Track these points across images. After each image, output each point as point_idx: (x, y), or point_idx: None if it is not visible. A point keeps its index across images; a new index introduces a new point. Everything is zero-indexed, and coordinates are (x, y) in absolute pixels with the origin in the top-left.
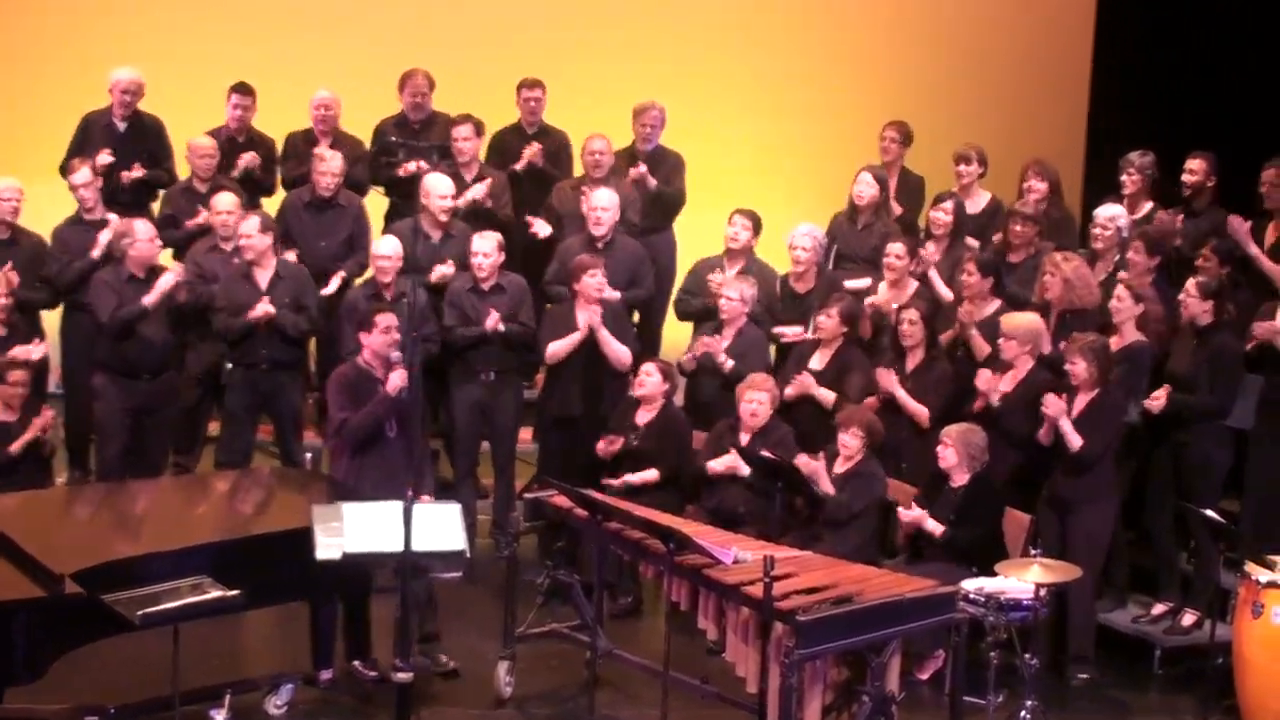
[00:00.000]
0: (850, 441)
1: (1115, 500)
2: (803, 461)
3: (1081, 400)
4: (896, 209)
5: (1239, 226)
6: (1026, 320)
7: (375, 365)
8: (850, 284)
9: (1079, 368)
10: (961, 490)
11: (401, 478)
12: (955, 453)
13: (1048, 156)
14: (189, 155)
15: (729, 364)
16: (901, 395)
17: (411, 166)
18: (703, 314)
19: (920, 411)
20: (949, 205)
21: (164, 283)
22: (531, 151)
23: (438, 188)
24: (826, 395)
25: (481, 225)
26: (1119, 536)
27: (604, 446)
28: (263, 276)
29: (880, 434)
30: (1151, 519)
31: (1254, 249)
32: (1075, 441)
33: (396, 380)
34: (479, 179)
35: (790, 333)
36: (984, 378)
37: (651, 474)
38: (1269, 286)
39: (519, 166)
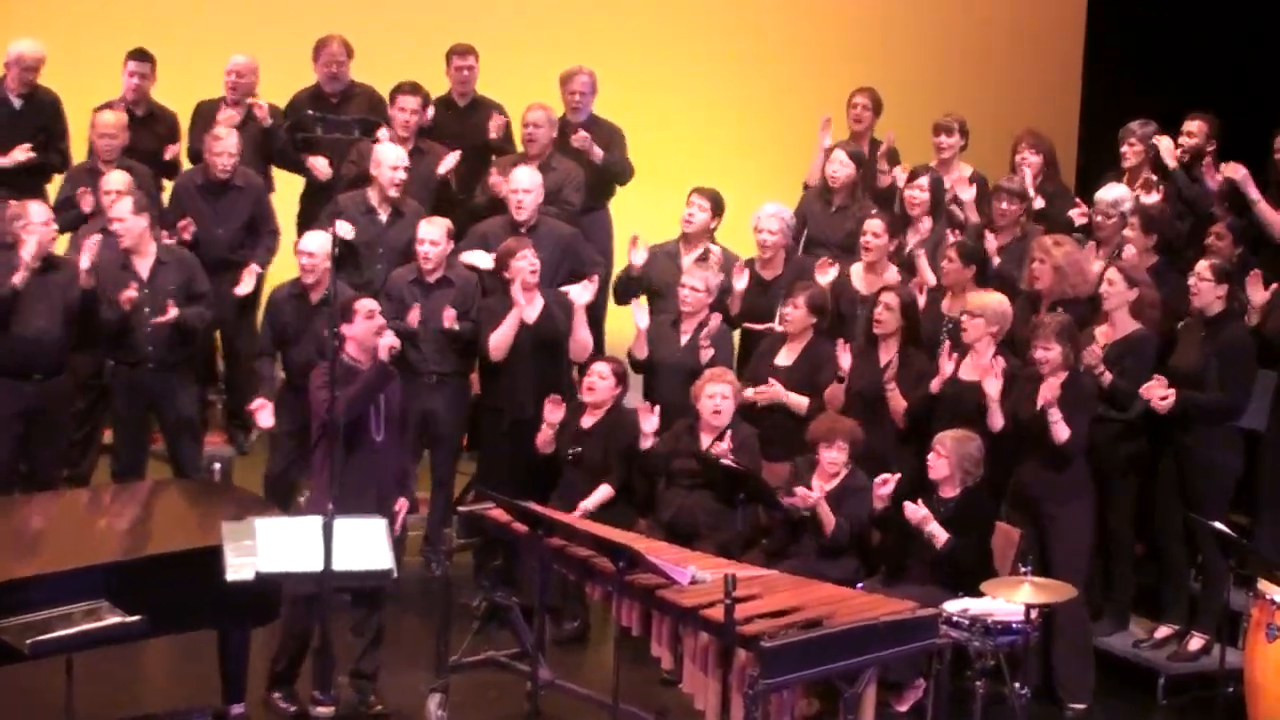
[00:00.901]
0: (836, 456)
1: (1093, 497)
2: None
3: (1053, 384)
4: (885, 174)
5: (1236, 170)
6: (995, 299)
7: (361, 359)
8: (823, 278)
9: (1053, 353)
10: (953, 503)
11: (388, 486)
12: (948, 464)
13: (1039, 128)
14: (91, 132)
15: (709, 353)
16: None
17: (322, 165)
18: (631, 292)
19: (897, 411)
20: (924, 182)
21: (26, 252)
22: (497, 125)
23: (389, 157)
24: (798, 401)
25: (443, 209)
26: (1125, 552)
27: (546, 435)
28: (142, 265)
29: (862, 442)
30: (1158, 531)
31: (1255, 192)
32: (1063, 433)
33: (389, 341)
34: (418, 153)
35: (762, 325)
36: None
37: (605, 492)
38: None
39: (493, 136)
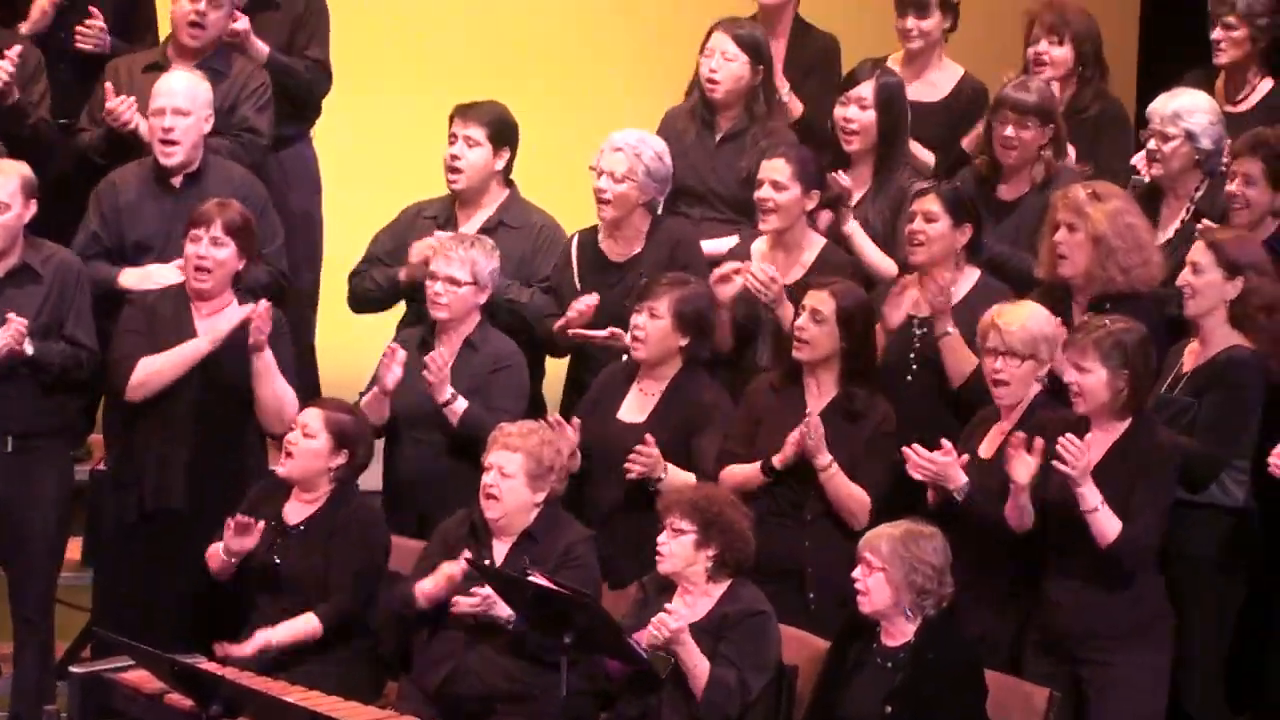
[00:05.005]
0: (677, 550)
1: (1170, 635)
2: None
3: (1100, 442)
4: (792, 103)
5: None
6: (1026, 315)
7: None
8: (708, 245)
9: (1091, 381)
10: (905, 655)
11: None
12: (886, 581)
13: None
14: None
15: (457, 404)
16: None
17: None
18: (391, 297)
19: (853, 497)
20: (866, 91)
21: None
22: (95, 27)
23: None
24: (679, 478)
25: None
26: None
27: (232, 542)
28: None
29: (725, 515)
30: (1272, 687)
31: None
32: (1110, 527)
33: None
34: None
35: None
36: (1017, 460)
37: (307, 623)
38: None
39: (26, 27)
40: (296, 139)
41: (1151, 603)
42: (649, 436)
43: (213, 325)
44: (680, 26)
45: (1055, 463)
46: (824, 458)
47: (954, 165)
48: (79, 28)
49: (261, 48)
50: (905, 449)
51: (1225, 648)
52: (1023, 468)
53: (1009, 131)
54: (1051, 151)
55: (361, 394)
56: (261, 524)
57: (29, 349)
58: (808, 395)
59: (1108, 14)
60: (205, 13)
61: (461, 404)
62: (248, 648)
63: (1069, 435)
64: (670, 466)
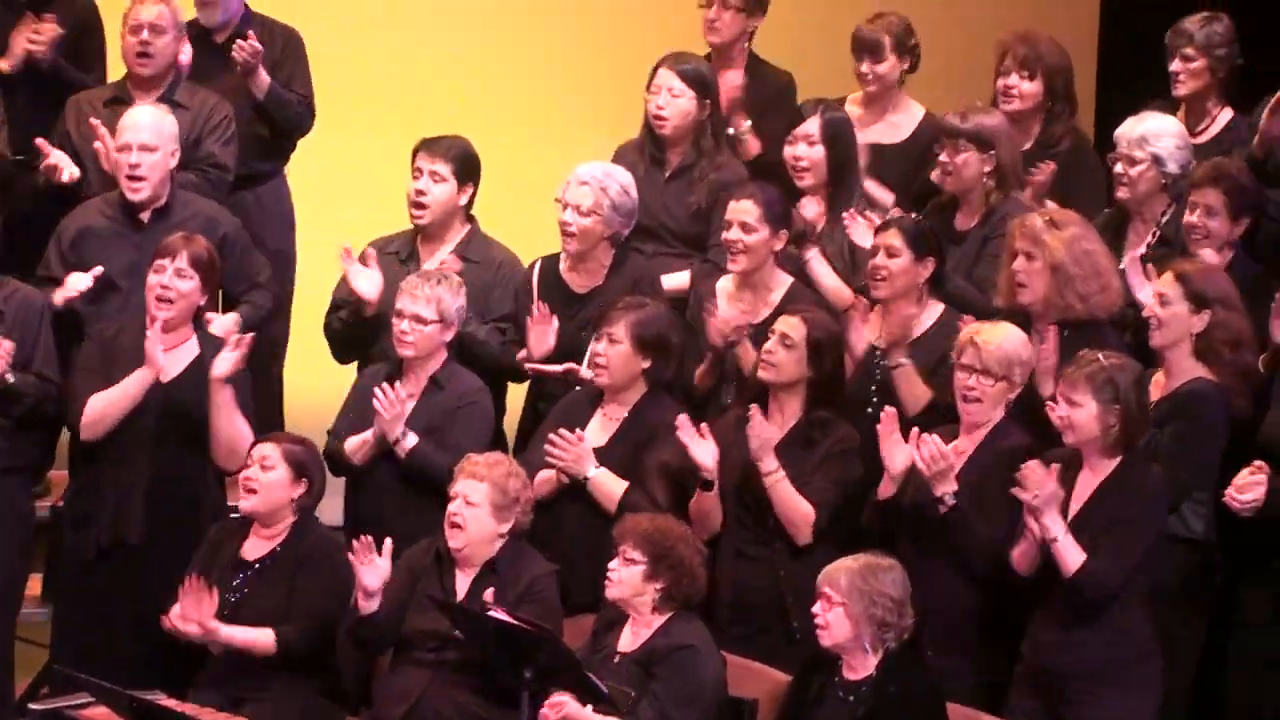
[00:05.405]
0: (624, 582)
1: (1157, 676)
2: None
3: (1088, 480)
4: (751, 141)
5: None
6: (1004, 336)
7: None
8: (668, 281)
9: (1081, 415)
10: (867, 688)
11: None
12: (845, 615)
13: (1040, 32)
14: None
15: (406, 440)
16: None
17: None
18: (360, 339)
19: (797, 509)
20: (813, 128)
21: None
22: (48, 31)
23: None
24: (609, 490)
25: None
26: None
27: (188, 608)
28: None
29: (674, 546)
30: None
31: None
32: (1073, 559)
33: None
34: None
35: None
36: (890, 444)
37: (263, 635)
38: None
39: (7, 64)
40: (272, 175)
41: (1136, 641)
42: (578, 432)
43: (154, 354)
44: (642, 61)
45: (1015, 490)
46: (769, 462)
47: (920, 200)
48: (31, 29)
49: (265, 78)
50: (923, 434)
51: (1186, 679)
52: (900, 454)
53: (944, 157)
54: (994, 181)
55: (330, 431)
56: (215, 593)
57: (10, 378)
58: (755, 416)
59: (1066, 46)
60: (150, 41)
61: (411, 440)
62: (194, 629)
63: (1032, 463)
64: (602, 469)
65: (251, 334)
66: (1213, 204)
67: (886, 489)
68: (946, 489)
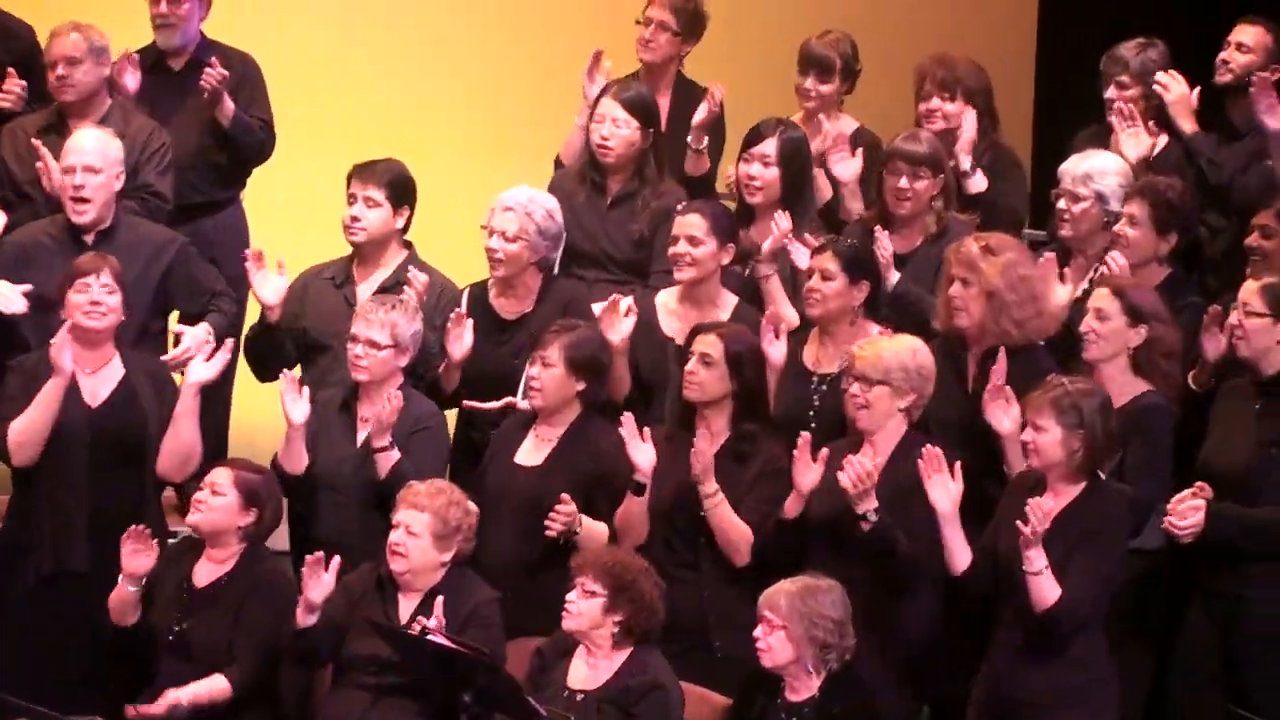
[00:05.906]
0: (582, 616)
1: (1114, 700)
2: None
3: (1050, 506)
4: (701, 160)
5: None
6: (885, 345)
7: None
8: (600, 308)
9: (1045, 439)
10: (809, 710)
11: None
12: (787, 638)
13: (979, 57)
14: None
15: (393, 452)
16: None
17: None
18: (270, 349)
19: (736, 530)
20: (770, 149)
21: None
22: (16, 88)
23: None
24: (594, 530)
25: None
26: None
27: (129, 561)
28: None
29: (634, 580)
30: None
31: None
32: (1050, 593)
33: None
34: None
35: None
36: (802, 465)
37: (216, 684)
38: None
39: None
40: (230, 202)
41: (1093, 667)
42: (564, 496)
43: (59, 360)
44: (578, 84)
45: (1019, 523)
46: (709, 485)
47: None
48: (1, 87)
49: (230, 105)
50: (849, 456)
51: (1139, 698)
52: (810, 474)
53: (903, 183)
54: (942, 202)
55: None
56: (155, 541)
57: None
58: (699, 439)
59: (1003, 74)
60: (66, 74)
61: (395, 454)
62: (157, 707)
63: (1042, 499)
64: (584, 519)
65: (231, 339)
66: (1137, 215)
67: (794, 507)
68: (868, 506)
